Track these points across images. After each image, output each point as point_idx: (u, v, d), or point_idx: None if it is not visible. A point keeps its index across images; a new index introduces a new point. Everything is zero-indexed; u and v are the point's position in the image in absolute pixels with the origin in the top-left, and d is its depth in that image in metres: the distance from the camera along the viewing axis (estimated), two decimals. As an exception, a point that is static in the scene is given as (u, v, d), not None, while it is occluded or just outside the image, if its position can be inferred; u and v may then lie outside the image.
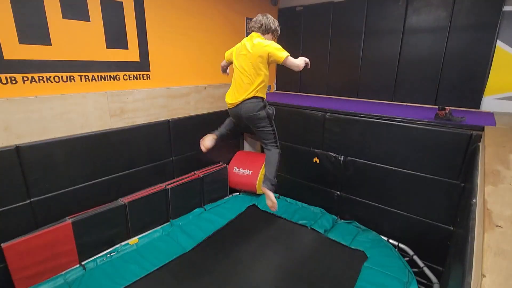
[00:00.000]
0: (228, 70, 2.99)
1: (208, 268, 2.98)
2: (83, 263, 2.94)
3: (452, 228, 2.98)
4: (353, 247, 3.28)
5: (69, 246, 2.89)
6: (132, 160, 3.40)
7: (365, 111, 3.45)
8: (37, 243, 2.66)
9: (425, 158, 3.05)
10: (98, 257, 3.04)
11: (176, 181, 3.85)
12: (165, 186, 3.68)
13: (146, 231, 3.50)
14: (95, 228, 3.04)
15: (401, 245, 3.33)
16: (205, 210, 4.07)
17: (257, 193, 4.48)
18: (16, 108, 2.48)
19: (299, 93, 5.24)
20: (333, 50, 4.64)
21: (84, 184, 3.02)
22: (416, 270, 3.06)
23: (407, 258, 3.19)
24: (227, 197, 4.53)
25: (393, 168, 3.29)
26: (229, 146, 4.75)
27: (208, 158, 4.39)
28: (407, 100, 4.04)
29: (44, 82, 2.66)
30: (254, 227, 3.77)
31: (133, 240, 3.33)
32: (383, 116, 3.26)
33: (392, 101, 4.16)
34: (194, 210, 4.02)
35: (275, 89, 5.60)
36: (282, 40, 5.26)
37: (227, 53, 2.85)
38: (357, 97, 4.52)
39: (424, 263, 3.15)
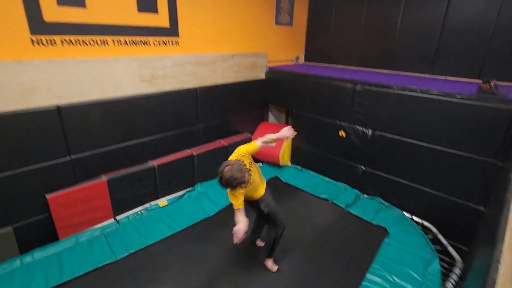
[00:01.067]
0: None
1: (229, 233, 3.10)
2: (117, 218, 3.19)
3: (482, 208, 2.86)
4: (374, 223, 3.27)
5: (105, 201, 3.13)
6: (161, 125, 3.52)
7: (399, 84, 3.27)
8: (77, 197, 2.91)
9: (461, 135, 2.87)
10: (130, 214, 3.27)
11: (202, 148, 3.96)
12: (192, 153, 3.81)
13: (173, 193, 3.69)
14: (127, 187, 3.25)
15: (425, 223, 3.27)
16: (229, 178, 4.18)
17: (280, 164, 4.52)
18: (57, 69, 2.61)
19: (329, 65, 5.04)
20: (368, 17, 4.34)
21: (117, 145, 3.19)
22: (439, 248, 3.01)
23: (431, 236, 3.14)
24: (251, 167, 4.60)
25: (425, 144, 3.14)
26: (253, 117, 4.76)
27: (233, 128, 4.45)
28: (446, 73, 3.76)
29: (80, 45, 2.76)
30: (275, 197, 3.79)
31: (162, 202, 3.53)
32: (418, 89, 3.07)
33: (429, 74, 3.89)
34: (217, 178, 4.13)
35: (303, 60, 5.41)
36: (315, 8, 5.00)
37: None
38: (391, 70, 4.27)
39: (448, 242, 3.08)
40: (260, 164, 4.70)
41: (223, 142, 4.21)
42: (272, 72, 4.60)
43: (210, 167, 4.04)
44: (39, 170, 2.69)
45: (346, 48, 4.75)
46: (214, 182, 4.03)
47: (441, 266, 2.74)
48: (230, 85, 4.17)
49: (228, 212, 3.46)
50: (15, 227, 2.64)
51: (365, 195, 3.80)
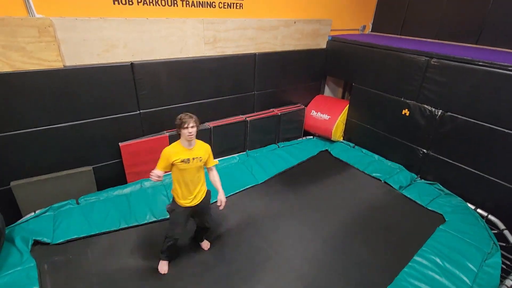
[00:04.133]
0: None
1: (278, 201, 3.19)
2: (175, 171, 3.49)
3: None
4: (430, 208, 3.07)
5: (166, 155, 3.42)
6: (219, 89, 3.63)
7: (485, 59, 2.85)
8: (143, 147, 3.23)
9: (557, 123, 2.46)
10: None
11: (256, 115, 4.02)
12: (245, 118, 3.90)
13: (226, 155, 3.88)
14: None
15: (490, 217, 2.97)
16: (279, 147, 4.24)
17: (332, 139, 4.41)
18: (133, 27, 2.81)
19: (400, 36, 4.57)
20: (456, -19, 3.77)
21: (179, 104, 3.40)
22: (504, 244, 2.74)
23: (496, 231, 2.86)
24: (301, 138, 4.59)
25: (507, 130, 2.76)
26: (309, 88, 4.63)
27: (287, 98, 4.41)
28: (548, 51, 3.16)
29: (153, 5, 2.90)
30: (325, 171, 3.80)
31: (215, 161, 3.73)
32: (510, 66, 2.65)
33: (525, 51, 3.31)
34: (269, 146, 4.22)
35: (370, 29, 4.98)
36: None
37: None
38: (476, 44, 3.72)
39: (516, 241, 2.79)
40: (311, 137, 4.64)
41: (277, 111, 4.22)
42: (335, 41, 4.34)
43: (261, 135, 4.12)
44: (115, 120, 3.03)
45: (423, 16, 4.22)
46: (264, 150, 4.12)
47: (503, 263, 2.51)
48: (289, 53, 4.07)
49: (276, 180, 3.56)
50: (94, 167, 3.06)
51: (422, 180, 3.55)
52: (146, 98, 3.14)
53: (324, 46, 4.41)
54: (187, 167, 2.07)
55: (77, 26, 2.55)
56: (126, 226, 2.71)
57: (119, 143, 3.10)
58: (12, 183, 2.64)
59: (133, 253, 2.46)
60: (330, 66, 4.46)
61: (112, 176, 3.22)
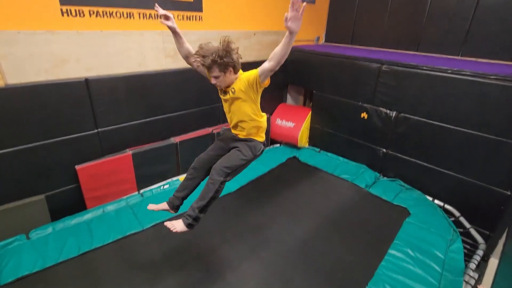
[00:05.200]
0: None
1: (251, 208, 3.16)
2: (141, 191, 3.27)
3: (509, 192, 2.82)
4: (395, 203, 3.27)
5: (129, 175, 3.20)
6: (183, 102, 3.53)
7: (428, 64, 3.17)
8: (104, 169, 2.98)
9: (493, 117, 2.80)
10: (153, 188, 3.35)
11: (222, 127, 3.97)
12: (212, 131, 3.83)
13: (194, 170, 3.74)
14: (151, 161, 3.31)
15: (447, 206, 3.25)
16: (247, 157, 4.21)
17: (298, 145, 4.52)
18: (85, 41, 2.62)
19: (351, 45, 4.91)
20: (396, -4, 4.19)
21: (141, 120, 3.23)
22: (461, 230, 3.00)
23: (453, 219, 3.13)
24: (268, 147, 4.62)
25: (452, 127, 3.08)
26: (272, 98, 4.72)
27: (252, 108, 4.43)
28: (477, 55, 3.62)
29: (107, 17, 2.74)
30: (295, 177, 3.86)
31: (183, 177, 3.59)
32: (449, 70, 2.98)
33: (458, 56, 3.76)
34: (237, 157, 4.17)
35: (323, 40, 5.29)
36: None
37: None
38: (417, 51, 4.14)
39: (471, 226, 3.07)
40: (278, 145, 4.71)
41: (243, 121, 4.21)
42: (293, 52, 4.51)
43: (230, 146, 4.08)
44: (69, 142, 2.76)
45: (370, 28, 4.60)
46: (233, 160, 4.07)
47: (464, 248, 2.74)
48: (251, 64, 4.06)
49: (249, 188, 3.52)
50: (47, 195, 2.73)
51: (385, 178, 3.78)
52: (104, 116, 2.92)
53: (283, 56, 4.55)
54: (222, 97, 1.88)
55: (20, 40, 2.30)
56: (87, 250, 2.45)
57: (76, 166, 2.82)
58: None
59: (97, 279, 2.23)
60: (290, 75, 4.62)
61: (69, 203, 2.91)
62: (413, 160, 3.49)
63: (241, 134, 1.98)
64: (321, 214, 3.12)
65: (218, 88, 1.89)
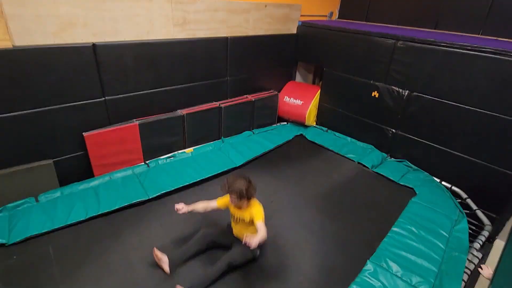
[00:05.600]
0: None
1: (257, 183, 3.15)
2: (147, 162, 3.29)
3: (520, 175, 2.76)
4: (401, 183, 3.24)
5: (136, 145, 3.21)
6: (191, 74, 3.48)
7: (446, 40, 3.03)
8: (111, 137, 2.99)
9: (513, 97, 2.69)
10: (160, 158, 3.37)
11: (229, 102, 3.93)
12: (219, 104, 3.79)
13: (200, 144, 3.75)
14: (157, 132, 3.31)
15: (454, 188, 3.21)
16: (253, 133, 4.20)
17: (306, 124, 4.46)
18: (93, 4, 2.55)
19: (366, 22, 4.72)
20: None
21: (149, 91, 3.20)
22: (468, 212, 2.97)
23: (460, 201, 3.09)
24: (275, 125, 4.58)
25: (468, 107, 2.97)
26: (281, 74, 4.63)
27: (260, 84, 4.36)
28: (499, 34, 3.44)
29: (115, -21, 2.66)
30: (300, 154, 3.84)
31: (189, 149, 3.61)
32: (469, 46, 2.85)
33: (479, 35, 3.58)
34: (243, 132, 4.16)
35: (337, 16, 5.09)
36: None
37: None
38: (435, 28, 3.95)
39: (477, 208, 3.04)
40: (285, 123, 4.66)
41: (250, 97, 4.16)
42: (305, 27, 4.37)
43: (236, 121, 4.04)
44: (77, 108, 2.75)
45: (386, 4, 4.41)
46: (240, 136, 4.06)
47: (470, 228, 2.72)
48: (260, 38, 4.01)
49: (254, 163, 3.52)
50: (56, 161, 2.77)
51: (392, 158, 3.73)
52: (111, 84, 2.90)
53: (294, 31, 4.42)
54: (234, 211, 2.15)
55: (27, 1, 2.25)
56: (94, 215, 2.50)
57: (83, 133, 2.84)
58: (-44, 181, 2.30)
59: (102, 242, 2.30)
60: (301, 51, 4.49)
61: (77, 169, 2.94)
62: (423, 141, 3.42)
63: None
64: (324, 192, 3.11)
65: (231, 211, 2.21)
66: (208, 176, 3.17)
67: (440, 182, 3.29)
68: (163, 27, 3.07)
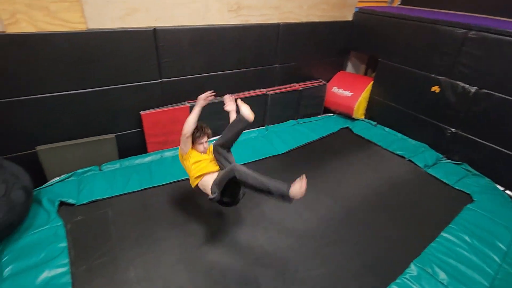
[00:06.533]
0: None
1: (296, 172, 3.12)
2: (194, 143, 3.46)
3: None
4: (457, 187, 2.98)
5: (186, 126, 3.39)
6: (241, 60, 3.52)
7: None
8: (164, 117, 3.20)
9: None
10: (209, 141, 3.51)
11: (276, 89, 3.92)
12: (266, 92, 3.80)
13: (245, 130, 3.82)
14: (205, 115, 3.42)
15: (521, 199, 2.87)
16: (298, 123, 4.16)
17: (353, 117, 4.29)
18: (155, -10, 2.70)
19: (432, 9, 4.30)
20: None
21: (200, 75, 3.32)
22: (534, 227, 2.65)
23: (526, 214, 2.76)
24: (320, 115, 4.48)
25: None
26: (331, 64, 4.46)
27: (309, 73, 4.27)
28: None
29: (177, -35, 2.77)
30: (346, 147, 3.72)
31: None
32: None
33: None
34: (287, 121, 4.14)
35: (399, 2, 4.70)
36: None
37: None
38: (517, 17, 3.47)
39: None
40: (331, 114, 4.53)
41: (298, 86, 4.10)
42: (362, 13, 4.12)
43: (281, 110, 4.03)
44: (136, 88, 2.98)
45: (459, -12, 3.95)
46: (284, 124, 4.05)
47: (534, 245, 2.43)
48: (313, 25, 3.89)
49: (296, 152, 3.51)
50: (117, 135, 3.05)
51: (448, 160, 3.44)
52: (167, 67, 3.07)
53: (350, 18, 4.19)
54: (203, 163, 2.21)
55: (100, -14, 2.46)
56: (147, 186, 2.76)
57: (140, 112, 3.07)
58: (38, 148, 2.67)
59: (153, 209, 2.54)
60: (355, 40, 4.26)
61: (133, 145, 3.22)
62: (487, 143, 3.08)
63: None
64: (369, 187, 3.00)
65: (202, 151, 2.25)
66: (250, 161, 3.25)
67: (504, 191, 2.96)
68: (218, 12, 3.13)
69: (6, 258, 1.94)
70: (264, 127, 3.95)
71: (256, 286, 1.96)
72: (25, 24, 2.26)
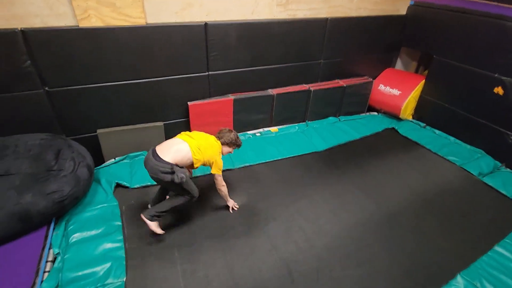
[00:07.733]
0: None
1: (335, 171, 3.10)
2: (236, 135, 3.57)
3: None
4: (516, 199, 2.73)
5: (228, 118, 3.50)
6: (285, 55, 3.53)
7: None
8: (209, 108, 3.33)
9: None
10: (247, 133, 3.61)
11: (319, 85, 3.86)
12: (309, 88, 3.77)
13: (285, 124, 3.85)
14: (248, 109, 3.52)
15: None
16: (340, 120, 4.07)
17: (400, 117, 4.08)
18: (209, -15, 2.80)
19: (496, 3, 3.86)
20: None
21: (245, 69, 3.39)
22: None
23: None
24: (364, 114, 4.33)
25: None
26: (379, 60, 4.27)
27: (354, 69, 4.13)
28: None
29: (230, -39, 2.84)
30: (390, 149, 3.56)
31: (274, 129, 3.75)
32: None
33: None
34: (328, 118, 4.07)
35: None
36: None
37: None
38: None
39: None
40: (375, 113, 4.36)
41: (342, 82, 4.00)
42: (417, 6, 3.87)
43: (323, 106, 3.97)
44: (185, 80, 3.14)
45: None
46: (325, 121, 3.99)
47: None
48: (363, 19, 3.74)
49: (336, 150, 3.45)
50: (165, 123, 3.26)
51: (508, 169, 3.14)
52: (215, 60, 3.18)
53: (403, 12, 3.96)
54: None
55: (158, -17, 2.62)
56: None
57: (188, 103, 3.24)
58: (99, 131, 2.95)
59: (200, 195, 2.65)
60: (408, 35, 4.03)
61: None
62: (558, 154, 2.76)
63: None
64: (414, 191, 2.86)
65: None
66: (288, 156, 3.27)
67: None
68: (267, 6, 3.16)
69: (71, 227, 2.21)
70: (304, 122, 3.93)
71: (290, 280, 2.00)
72: (95, 19, 2.50)
